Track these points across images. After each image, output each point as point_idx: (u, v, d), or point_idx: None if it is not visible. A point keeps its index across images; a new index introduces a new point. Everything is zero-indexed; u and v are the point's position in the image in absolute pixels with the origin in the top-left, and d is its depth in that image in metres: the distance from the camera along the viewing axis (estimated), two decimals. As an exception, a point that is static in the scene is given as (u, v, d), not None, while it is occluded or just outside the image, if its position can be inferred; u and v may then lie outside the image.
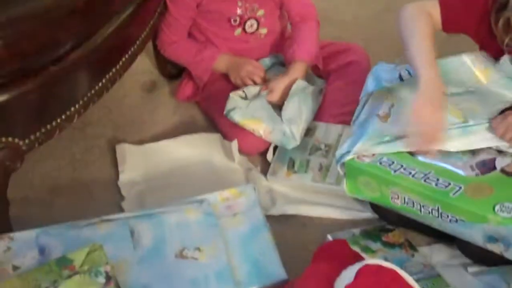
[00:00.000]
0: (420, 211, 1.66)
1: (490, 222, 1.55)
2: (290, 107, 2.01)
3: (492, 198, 1.58)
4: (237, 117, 2.01)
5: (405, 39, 1.76)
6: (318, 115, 2.11)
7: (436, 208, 1.63)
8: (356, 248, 1.74)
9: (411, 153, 1.72)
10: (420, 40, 1.73)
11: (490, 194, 1.60)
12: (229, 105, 2.02)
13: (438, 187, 1.63)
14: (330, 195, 1.94)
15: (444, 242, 1.82)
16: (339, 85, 2.14)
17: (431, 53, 1.71)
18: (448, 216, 1.61)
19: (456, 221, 1.61)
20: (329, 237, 1.81)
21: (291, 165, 1.99)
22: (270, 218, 1.81)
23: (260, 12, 2.13)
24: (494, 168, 1.66)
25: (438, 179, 1.65)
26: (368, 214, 1.90)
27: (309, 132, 2.06)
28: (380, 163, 1.72)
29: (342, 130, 2.05)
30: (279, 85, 2.06)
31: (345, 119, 2.00)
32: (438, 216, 1.63)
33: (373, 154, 1.74)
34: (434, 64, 1.70)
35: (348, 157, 1.75)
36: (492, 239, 1.58)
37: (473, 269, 1.76)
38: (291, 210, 1.91)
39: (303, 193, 1.96)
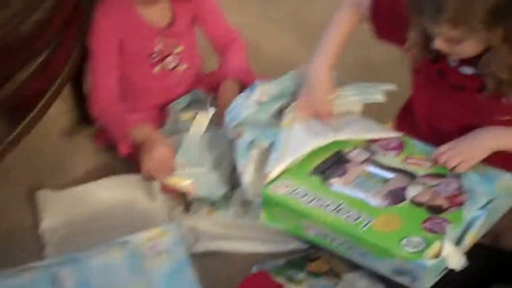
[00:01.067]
0: (332, 242, 1.68)
1: (396, 257, 1.56)
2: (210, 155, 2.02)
3: (400, 231, 1.60)
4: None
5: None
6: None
7: (347, 240, 1.64)
8: (281, 279, 1.77)
9: (326, 183, 1.75)
10: (331, 33, 1.88)
11: (398, 226, 1.61)
12: None
13: (349, 220, 1.65)
14: (253, 229, 1.95)
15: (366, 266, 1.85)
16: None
17: (334, 45, 1.87)
18: (358, 249, 1.63)
19: (365, 254, 1.62)
20: (255, 269, 1.83)
21: (212, 202, 1.99)
22: (194, 255, 1.82)
23: (179, 48, 2.13)
24: (405, 198, 1.69)
25: (349, 211, 1.66)
26: (293, 245, 1.91)
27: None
28: (295, 194, 1.73)
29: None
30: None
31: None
32: (349, 248, 1.65)
33: (288, 185, 1.75)
34: (330, 55, 1.86)
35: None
36: (399, 272, 1.59)
37: (396, 292, 1.80)
38: (214, 246, 1.92)
39: (226, 229, 1.96)
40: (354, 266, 1.84)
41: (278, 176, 1.79)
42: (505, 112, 1.69)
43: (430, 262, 1.53)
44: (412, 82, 1.88)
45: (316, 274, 1.84)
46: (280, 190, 1.75)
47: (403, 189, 1.71)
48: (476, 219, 1.60)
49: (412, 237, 1.57)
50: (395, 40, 1.83)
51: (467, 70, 1.71)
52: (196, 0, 2.14)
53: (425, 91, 1.83)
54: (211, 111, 2.04)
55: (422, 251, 1.54)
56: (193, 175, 1.99)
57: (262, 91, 1.97)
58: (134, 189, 2.05)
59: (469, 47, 1.61)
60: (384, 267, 1.61)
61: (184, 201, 2.04)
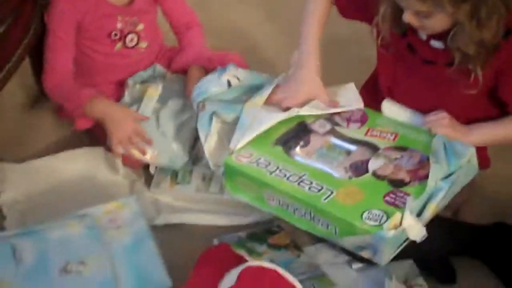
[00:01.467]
0: (294, 213, 1.68)
1: (357, 230, 1.56)
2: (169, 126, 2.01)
3: (361, 205, 1.59)
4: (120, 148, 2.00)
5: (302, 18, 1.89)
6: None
7: (309, 212, 1.64)
8: (242, 251, 1.76)
9: (288, 154, 1.75)
10: (310, 24, 1.88)
11: (360, 199, 1.61)
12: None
13: (311, 191, 1.64)
14: (214, 202, 1.95)
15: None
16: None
17: (315, 39, 1.87)
18: (319, 221, 1.62)
19: (327, 226, 1.61)
20: (216, 241, 1.83)
21: (174, 176, 2.00)
22: (155, 228, 1.82)
23: (140, 26, 2.12)
24: (367, 170, 1.68)
25: (311, 182, 1.66)
26: (254, 217, 1.92)
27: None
28: (257, 164, 1.73)
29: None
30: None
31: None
32: (310, 220, 1.64)
33: (251, 154, 1.75)
34: (314, 51, 1.85)
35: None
36: (360, 245, 1.59)
37: (357, 265, 1.81)
38: (176, 219, 1.92)
39: (187, 202, 1.97)
40: (316, 239, 1.86)
41: (243, 147, 1.79)
42: (471, 87, 1.69)
43: (390, 234, 1.53)
44: (378, 57, 1.88)
45: (277, 247, 1.84)
46: (243, 159, 1.75)
47: (366, 161, 1.71)
48: (438, 191, 1.60)
49: (373, 210, 1.57)
50: (360, 18, 1.84)
51: (437, 44, 1.71)
52: None
53: (392, 66, 1.84)
54: (160, 85, 2.06)
55: (382, 223, 1.54)
56: (154, 145, 1.98)
57: (234, 74, 1.97)
58: (96, 162, 2.04)
59: (438, 22, 1.62)
60: (347, 242, 1.61)
61: (146, 174, 2.04)
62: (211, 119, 1.86)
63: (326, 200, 1.62)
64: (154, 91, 2.05)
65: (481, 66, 1.65)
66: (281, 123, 1.82)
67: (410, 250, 1.61)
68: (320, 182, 1.66)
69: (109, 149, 2.04)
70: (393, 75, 1.85)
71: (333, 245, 1.84)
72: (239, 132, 1.80)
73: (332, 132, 1.81)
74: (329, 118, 1.84)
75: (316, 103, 1.84)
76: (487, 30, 1.59)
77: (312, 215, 1.63)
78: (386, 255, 1.58)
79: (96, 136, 2.11)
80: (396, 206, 1.57)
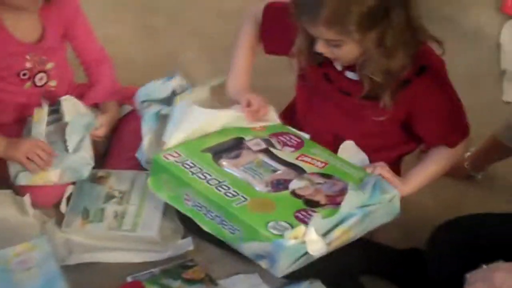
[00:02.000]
0: (205, 216, 1.69)
1: (259, 237, 1.58)
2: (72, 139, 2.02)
3: (270, 215, 1.62)
4: (24, 180, 1.99)
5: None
6: (110, 160, 2.13)
7: (219, 215, 1.66)
8: (156, 288, 1.76)
9: (216, 162, 1.78)
10: (239, 50, 1.95)
11: (270, 211, 1.64)
12: (12, 171, 2.00)
13: (226, 196, 1.67)
14: (127, 241, 1.94)
15: (243, 272, 1.87)
16: (130, 128, 2.14)
17: (244, 63, 1.95)
18: (227, 225, 1.65)
19: (234, 231, 1.63)
20: (129, 279, 1.81)
21: (86, 215, 1.97)
22: (68, 268, 1.80)
23: (50, 65, 2.10)
24: (287, 188, 1.71)
25: (229, 188, 1.69)
26: (168, 253, 1.91)
27: (102, 180, 2.06)
28: (183, 164, 1.76)
29: (135, 176, 2.06)
30: (105, 120, 2.10)
31: (138, 163, 2.00)
32: (219, 224, 1.67)
33: (180, 155, 1.78)
34: (243, 75, 1.94)
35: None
36: (260, 254, 1.61)
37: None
38: (88, 258, 1.89)
39: (100, 241, 1.95)
40: (232, 272, 1.88)
41: (175, 147, 1.81)
42: (380, 114, 1.74)
43: (289, 243, 1.55)
44: (296, 86, 1.94)
45: (192, 281, 1.84)
46: (170, 158, 1.78)
47: (288, 181, 1.74)
48: (350, 216, 1.63)
49: (280, 221, 1.60)
50: (280, 52, 1.88)
51: (352, 75, 1.77)
52: (67, 15, 2.11)
53: (309, 93, 1.89)
54: (45, 106, 2.07)
55: (284, 235, 1.56)
56: (57, 163, 1.99)
57: (180, 84, 2.02)
58: (5, 205, 2.00)
59: (348, 51, 1.66)
60: (248, 249, 1.63)
61: (57, 214, 2.01)
62: (157, 117, 1.92)
63: (238, 205, 1.65)
64: (40, 112, 2.05)
65: (390, 96, 1.70)
66: (219, 134, 1.87)
67: (322, 266, 1.64)
68: (238, 190, 1.69)
69: (15, 189, 2.02)
70: (309, 101, 1.90)
71: (248, 276, 1.86)
72: (172, 125, 1.84)
73: (265, 151, 1.84)
74: (267, 139, 1.87)
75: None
76: (394, 60, 1.65)
77: (221, 218, 1.66)
78: (283, 266, 1.60)
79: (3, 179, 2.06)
80: (305, 222, 1.60)
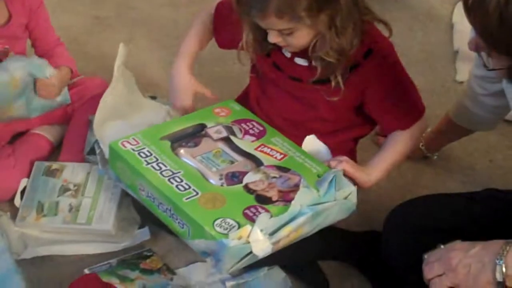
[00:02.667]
0: (158, 207, 1.68)
1: (205, 234, 1.57)
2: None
3: (219, 212, 1.60)
4: None
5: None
6: (63, 153, 2.11)
7: (169, 208, 1.64)
8: (113, 279, 1.75)
9: (174, 150, 1.75)
10: (189, 37, 1.97)
11: (220, 207, 1.62)
12: None
13: (177, 189, 1.65)
14: (82, 233, 1.93)
15: (200, 260, 1.87)
16: (83, 122, 2.11)
17: (193, 47, 1.96)
18: (177, 219, 1.63)
19: (183, 226, 1.62)
20: (86, 272, 1.80)
21: (40, 209, 1.95)
22: (24, 262, 1.79)
23: (11, 55, 2.07)
24: (241, 182, 1.69)
25: (182, 181, 1.67)
26: (124, 244, 1.90)
27: (56, 173, 2.04)
28: (138, 153, 1.74)
29: (90, 168, 2.04)
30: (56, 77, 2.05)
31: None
32: (170, 216, 1.65)
33: (138, 143, 1.76)
34: (189, 56, 1.95)
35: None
36: (205, 254, 1.61)
37: (230, 283, 1.83)
38: (44, 251, 1.87)
39: (55, 234, 1.93)
40: (190, 261, 1.89)
41: (134, 134, 1.79)
42: (333, 94, 1.74)
43: (232, 243, 1.53)
44: (250, 74, 1.95)
45: (150, 271, 1.84)
46: (127, 145, 1.75)
47: (244, 173, 1.72)
48: (300, 215, 1.61)
49: (227, 219, 1.58)
50: (232, 46, 1.87)
51: (301, 61, 1.77)
52: (31, 3, 2.10)
53: (260, 83, 1.89)
54: None
55: (229, 234, 1.55)
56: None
57: None
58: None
59: (302, 37, 1.66)
60: (195, 245, 1.62)
61: (11, 209, 1.99)
62: None
63: (188, 200, 1.62)
64: None
65: (342, 76, 1.71)
66: (181, 120, 1.86)
67: (281, 252, 1.62)
68: (191, 183, 1.67)
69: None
70: (261, 89, 1.90)
71: (205, 264, 1.86)
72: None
73: (225, 140, 1.81)
74: (229, 126, 1.85)
75: None
76: (344, 38, 1.66)
77: (171, 212, 1.64)
78: (226, 264, 1.59)
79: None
80: (252, 220, 1.58)
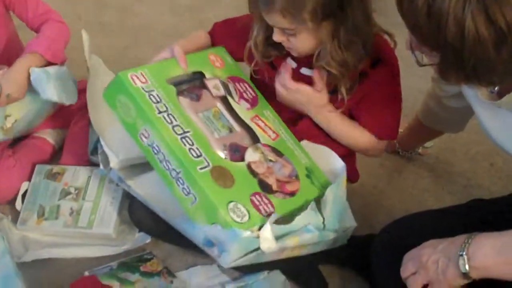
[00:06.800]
0: (159, 162, 1.62)
1: (219, 219, 1.55)
2: None
3: (231, 192, 1.58)
4: None
5: None
6: (64, 156, 2.11)
7: (179, 171, 1.59)
8: (114, 282, 1.76)
9: (179, 99, 1.71)
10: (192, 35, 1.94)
11: (230, 186, 1.60)
12: None
13: (190, 153, 1.60)
14: (83, 237, 1.94)
15: (200, 263, 1.88)
16: (82, 125, 2.12)
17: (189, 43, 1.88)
18: (183, 184, 1.59)
19: (188, 194, 1.58)
20: (86, 274, 1.80)
21: (41, 212, 1.96)
22: (24, 265, 1.79)
23: None
24: (243, 159, 1.69)
25: (193, 143, 1.62)
26: (125, 247, 1.90)
27: (57, 176, 2.04)
28: (149, 96, 1.65)
29: (91, 171, 2.05)
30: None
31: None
32: (173, 178, 1.60)
33: (147, 81, 1.68)
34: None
35: None
36: (209, 243, 1.60)
37: (230, 286, 1.83)
38: (45, 254, 1.88)
39: (56, 237, 1.94)
40: (190, 264, 1.89)
41: (141, 68, 1.71)
42: (338, 106, 1.76)
43: (245, 234, 1.53)
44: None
45: (150, 274, 1.84)
46: (137, 82, 1.67)
47: (244, 148, 1.71)
48: (306, 232, 1.62)
49: (239, 204, 1.57)
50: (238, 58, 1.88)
51: (307, 72, 1.78)
52: None
53: (262, 91, 1.88)
54: None
55: (242, 223, 1.54)
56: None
57: None
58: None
59: (304, 41, 1.67)
60: (197, 235, 1.61)
61: (12, 212, 2.00)
62: None
63: (202, 171, 1.59)
64: None
65: (348, 89, 1.72)
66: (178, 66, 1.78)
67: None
68: (201, 147, 1.62)
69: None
70: (261, 90, 1.89)
71: (206, 267, 1.86)
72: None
73: (223, 100, 1.79)
74: (225, 83, 1.82)
75: None
76: (348, 53, 1.66)
77: (179, 175, 1.59)
78: (232, 255, 1.57)
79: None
80: (259, 211, 1.59)
